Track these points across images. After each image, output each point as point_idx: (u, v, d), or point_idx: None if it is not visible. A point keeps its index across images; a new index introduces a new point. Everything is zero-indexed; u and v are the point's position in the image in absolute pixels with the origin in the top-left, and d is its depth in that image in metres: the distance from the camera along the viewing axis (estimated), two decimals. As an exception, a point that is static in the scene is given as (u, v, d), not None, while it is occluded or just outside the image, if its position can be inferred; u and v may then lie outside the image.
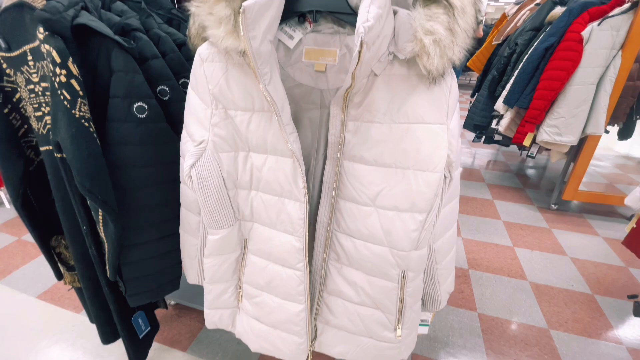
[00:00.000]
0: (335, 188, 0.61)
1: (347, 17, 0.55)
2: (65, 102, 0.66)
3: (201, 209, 0.67)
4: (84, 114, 0.67)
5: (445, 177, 0.58)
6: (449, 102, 0.54)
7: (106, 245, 0.80)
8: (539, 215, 2.28)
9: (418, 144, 0.55)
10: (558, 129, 1.87)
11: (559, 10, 1.91)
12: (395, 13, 0.51)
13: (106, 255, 0.82)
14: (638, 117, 2.52)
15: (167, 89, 0.81)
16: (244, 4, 0.44)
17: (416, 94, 0.54)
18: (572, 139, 1.89)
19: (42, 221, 0.93)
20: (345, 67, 0.59)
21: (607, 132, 2.39)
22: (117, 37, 0.70)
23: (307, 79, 0.62)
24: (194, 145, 0.64)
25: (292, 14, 0.56)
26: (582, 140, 1.99)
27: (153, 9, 0.94)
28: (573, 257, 1.89)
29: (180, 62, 0.84)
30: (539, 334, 1.39)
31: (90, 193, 0.70)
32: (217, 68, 0.58)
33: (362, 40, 0.44)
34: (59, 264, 1.00)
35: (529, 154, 2.06)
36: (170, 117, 0.81)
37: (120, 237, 0.79)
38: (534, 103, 1.87)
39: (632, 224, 1.21)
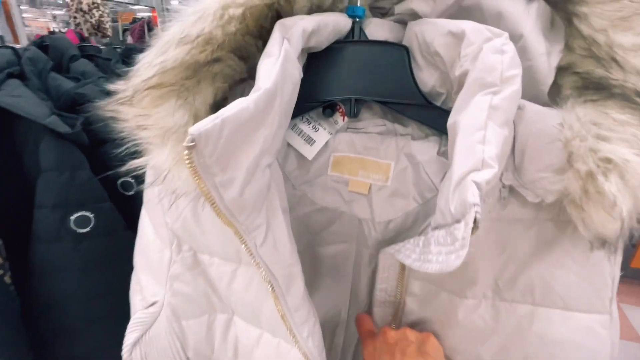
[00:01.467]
0: None
1: (414, 110, 0.30)
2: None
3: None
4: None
5: None
6: (615, 276, 0.28)
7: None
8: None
9: (553, 348, 0.28)
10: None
11: None
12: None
13: None
14: None
15: (132, 180, 0.57)
16: (195, 129, 0.19)
17: (553, 256, 0.28)
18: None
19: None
20: (404, 190, 0.33)
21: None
22: (50, 119, 0.47)
23: (334, 201, 0.36)
24: (142, 306, 0.38)
25: (313, 103, 0.32)
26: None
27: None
28: (653, 343, 1.51)
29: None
30: None
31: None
32: None
33: (475, 218, 0.19)
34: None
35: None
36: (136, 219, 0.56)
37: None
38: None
39: None
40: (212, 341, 0.39)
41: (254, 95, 0.20)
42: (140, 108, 0.24)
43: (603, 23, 0.25)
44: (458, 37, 0.25)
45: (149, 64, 0.25)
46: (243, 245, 0.25)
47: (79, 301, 0.52)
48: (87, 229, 0.50)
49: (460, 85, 0.25)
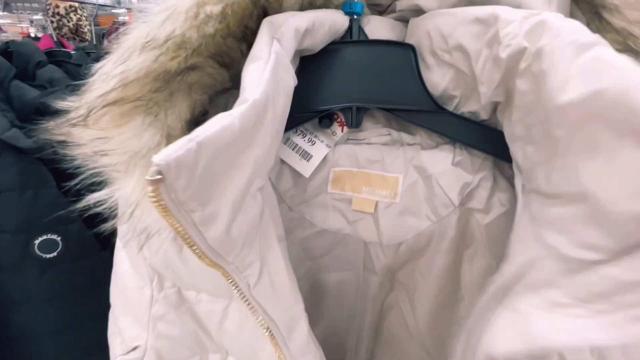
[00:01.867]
0: None
1: (423, 117, 0.26)
2: None
3: None
4: None
5: None
6: None
7: None
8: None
9: None
10: None
11: None
12: None
13: None
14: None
15: (107, 197, 0.52)
16: (161, 157, 0.14)
17: None
18: None
19: None
20: (415, 207, 0.29)
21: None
22: (9, 133, 0.41)
23: (336, 222, 0.32)
24: (122, 350, 0.33)
25: (308, 113, 0.27)
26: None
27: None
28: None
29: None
30: None
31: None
32: None
33: None
34: None
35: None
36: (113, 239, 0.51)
37: None
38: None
39: None
40: (204, 385, 0.34)
41: (240, 108, 0.16)
42: (98, 129, 0.19)
43: (638, 15, 0.22)
44: (487, 23, 0.21)
45: (107, 75, 0.20)
46: (234, 288, 0.21)
47: (46, 335, 0.46)
48: (54, 254, 0.44)
49: (507, 71, 0.21)
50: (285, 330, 0.23)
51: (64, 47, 1.04)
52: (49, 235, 0.44)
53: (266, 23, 0.22)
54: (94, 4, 1.41)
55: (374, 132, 0.29)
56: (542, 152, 0.20)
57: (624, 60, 0.16)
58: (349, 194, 0.31)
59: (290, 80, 0.20)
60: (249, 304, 0.22)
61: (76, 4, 1.61)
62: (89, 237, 0.48)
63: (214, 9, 0.21)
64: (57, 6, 1.57)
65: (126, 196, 0.20)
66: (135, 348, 0.32)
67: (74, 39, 1.65)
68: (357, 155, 0.30)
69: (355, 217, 0.32)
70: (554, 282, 0.18)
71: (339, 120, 0.30)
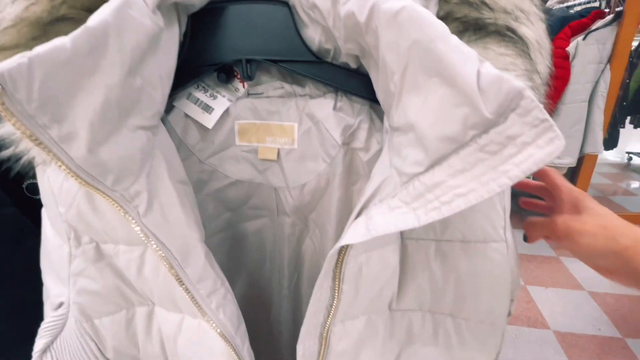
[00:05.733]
0: None
1: (306, 67, 0.30)
2: None
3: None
4: None
5: None
6: (505, 204, 0.30)
7: None
8: (542, 241, 2.09)
9: (457, 279, 0.30)
10: (555, 151, 1.70)
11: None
12: None
13: None
14: (621, 126, 2.47)
15: (42, 182, 0.52)
16: (5, 64, 0.16)
17: None
18: (571, 161, 1.73)
19: None
20: (312, 151, 0.33)
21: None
22: None
23: (248, 172, 0.35)
24: (52, 309, 0.35)
25: (205, 67, 0.30)
26: (580, 160, 1.84)
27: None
28: (591, 290, 1.69)
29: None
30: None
31: None
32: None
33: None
34: None
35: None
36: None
37: None
38: (526, 126, 1.71)
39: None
40: (135, 339, 0.36)
41: (73, 32, 0.18)
42: None
43: None
44: None
45: None
46: (127, 217, 0.24)
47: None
48: (-12, 239, 0.44)
49: (347, 29, 0.24)
50: (179, 255, 0.26)
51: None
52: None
53: None
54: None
55: (270, 86, 0.33)
56: (390, 96, 0.24)
57: (431, 15, 0.21)
58: (255, 144, 0.34)
59: (149, 24, 0.22)
60: (144, 234, 0.24)
61: None
62: (23, 221, 0.48)
63: None
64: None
65: (9, 133, 0.22)
66: (60, 305, 0.34)
67: None
68: (257, 107, 0.33)
69: (264, 166, 0.35)
70: (394, 193, 0.22)
71: (239, 77, 0.33)
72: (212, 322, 0.28)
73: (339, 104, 0.31)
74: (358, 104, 0.31)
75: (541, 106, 0.18)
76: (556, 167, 1.78)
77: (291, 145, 0.33)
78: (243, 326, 0.31)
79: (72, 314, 0.34)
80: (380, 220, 0.22)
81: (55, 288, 0.34)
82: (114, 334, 0.35)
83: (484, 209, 0.29)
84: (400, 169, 0.23)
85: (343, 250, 0.24)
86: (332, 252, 0.24)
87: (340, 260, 0.25)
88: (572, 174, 1.93)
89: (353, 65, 0.29)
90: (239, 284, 0.39)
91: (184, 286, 0.27)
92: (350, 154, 0.32)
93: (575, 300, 1.63)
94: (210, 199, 0.35)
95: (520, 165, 0.19)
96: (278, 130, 0.33)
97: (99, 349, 0.35)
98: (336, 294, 0.28)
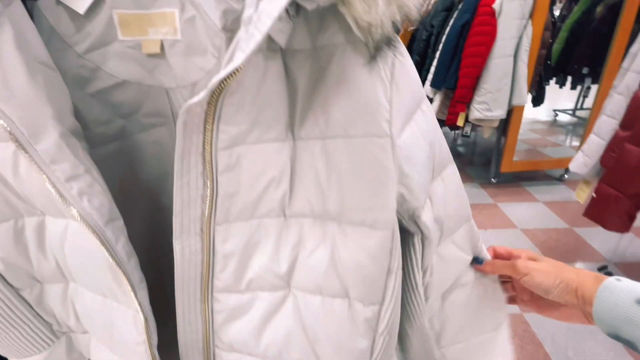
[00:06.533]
0: (208, 277, 0.33)
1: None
2: None
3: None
4: None
5: (413, 233, 0.34)
6: (393, 97, 0.29)
7: None
8: (483, 192, 2.30)
9: (340, 178, 0.30)
10: (487, 104, 1.83)
11: (467, -15, 1.87)
12: None
13: None
14: (547, 83, 2.71)
15: None
16: None
17: (328, 84, 0.29)
18: (502, 113, 1.88)
19: None
20: (198, 43, 0.32)
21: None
22: None
23: (135, 72, 0.34)
24: None
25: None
26: (509, 112, 2.01)
27: None
28: (523, 228, 1.91)
29: None
30: (514, 320, 1.30)
31: None
32: None
33: None
34: None
35: (463, 133, 2.02)
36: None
37: None
38: (461, 82, 1.81)
39: (589, 192, 1.14)
40: (25, 251, 0.34)
41: None
42: None
43: None
44: None
45: None
46: None
47: None
48: None
49: None
50: (27, 131, 0.25)
51: None
52: None
53: None
54: None
55: (145, -31, 0.31)
56: None
57: None
58: (139, 38, 0.32)
59: None
60: None
61: None
62: None
63: None
64: None
65: None
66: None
67: None
68: (134, -6, 0.31)
69: (152, 64, 0.34)
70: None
71: (107, -40, 0.31)
72: (75, 210, 0.27)
73: (218, -12, 0.30)
74: None
75: None
76: (489, 120, 1.93)
77: (174, 35, 0.32)
78: (119, 223, 0.30)
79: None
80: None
81: None
82: (1, 244, 0.33)
83: (365, 99, 0.28)
84: None
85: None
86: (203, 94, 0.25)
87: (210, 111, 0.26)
88: (504, 126, 2.10)
89: None
90: (141, 200, 0.38)
91: (35, 165, 0.25)
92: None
93: (510, 237, 1.82)
94: (94, 100, 0.33)
95: None
96: (159, 20, 0.32)
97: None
98: (208, 182, 0.28)
